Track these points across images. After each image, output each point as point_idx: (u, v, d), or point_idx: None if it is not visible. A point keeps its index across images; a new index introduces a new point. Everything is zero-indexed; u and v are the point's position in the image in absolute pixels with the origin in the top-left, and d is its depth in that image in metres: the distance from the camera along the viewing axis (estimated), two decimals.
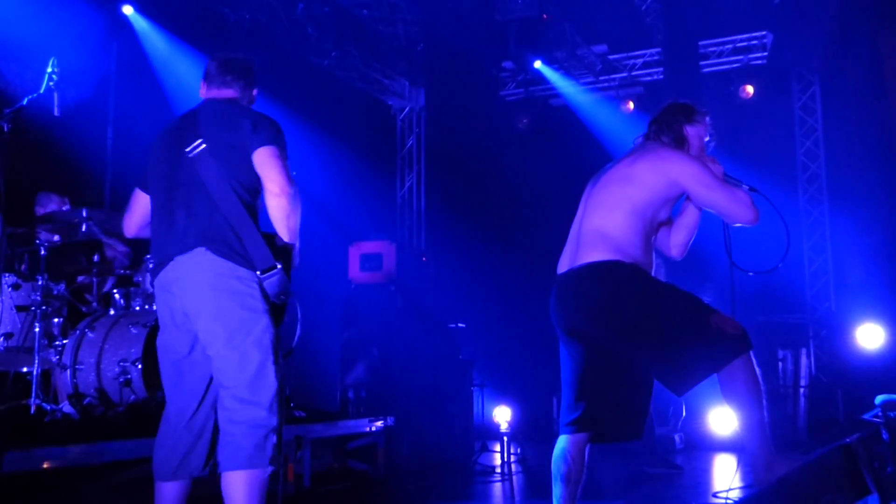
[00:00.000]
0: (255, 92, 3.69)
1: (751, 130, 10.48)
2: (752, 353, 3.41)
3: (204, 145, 3.34)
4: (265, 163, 3.29)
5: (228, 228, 3.29)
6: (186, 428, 3.32)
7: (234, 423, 3.21)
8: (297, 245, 3.42)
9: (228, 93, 3.59)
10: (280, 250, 3.34)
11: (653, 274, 3.74)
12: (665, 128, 4.01)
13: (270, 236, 3.34)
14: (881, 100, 9.95)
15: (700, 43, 10.90)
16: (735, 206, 3.80)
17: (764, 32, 10.51)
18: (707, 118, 4.09)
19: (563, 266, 3.80)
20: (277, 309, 3.35)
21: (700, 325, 3.44)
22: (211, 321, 3.27)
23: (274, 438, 3.22)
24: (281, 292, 3.31)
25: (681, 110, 4.07)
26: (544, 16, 9.84)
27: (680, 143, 3.95)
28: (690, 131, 4.03)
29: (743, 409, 3.38)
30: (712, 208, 3.82)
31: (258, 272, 3.27)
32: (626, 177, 3.80)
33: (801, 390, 9.25)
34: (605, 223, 3.68)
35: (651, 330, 3.50)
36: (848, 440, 3.15)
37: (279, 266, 3.29)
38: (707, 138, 4.11)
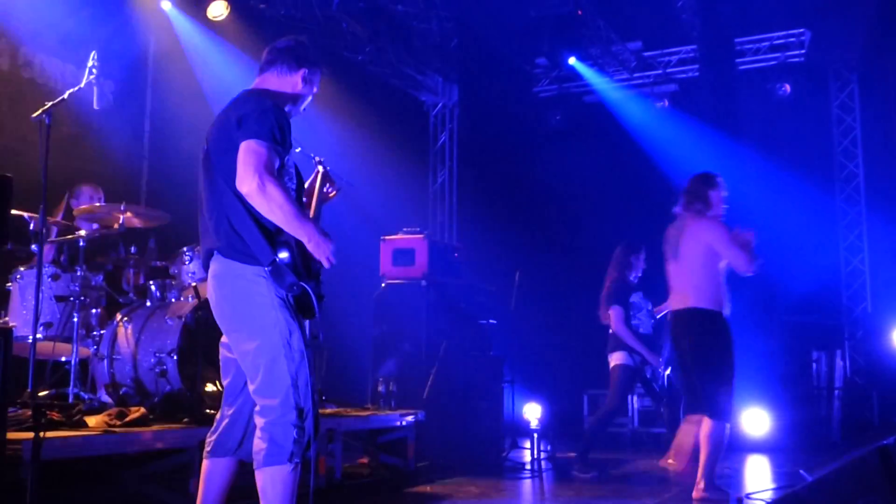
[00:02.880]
0: (301, 73, 3.59)
1: (787, 129, 10.40)
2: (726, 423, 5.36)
3: (207, 144, 3.42)
4: (238, 159, 3.22)
5: (230, 227, 3.31)
6: (228, 407, 3.50)
7: (258, 422, 3.26)
8: (309, 234, 3.28)
9: (260, 82, 3.60)
10: (284, 242, 3.30)
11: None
12: (694, 198, 5.55)
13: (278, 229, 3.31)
14: None
15: (736, 40, 10.82)
16: (738, 262, 5.38)
17: (802, 30, 10.41)
18: (722, 179, 5.56)
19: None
20: (297, 300, 3.32)
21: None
22: (226, 325, 3.40)
23: (293, 433, 3.20)
24: (289, 283, 3.25)
25: (702, 181, 5.58)
26: (579, 12, 9.81)
27: (707, 206, 5.48)
28: (713, 195, 5.51)
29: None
30: (727, 260, 5.40)
31: (266, 267, 3.25)
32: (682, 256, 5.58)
33: (836, 392, 9.16)
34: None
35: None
36: (885, 442, 3.13)
37: (278, 258, 3.24)
38: (725, 193, 5.56)
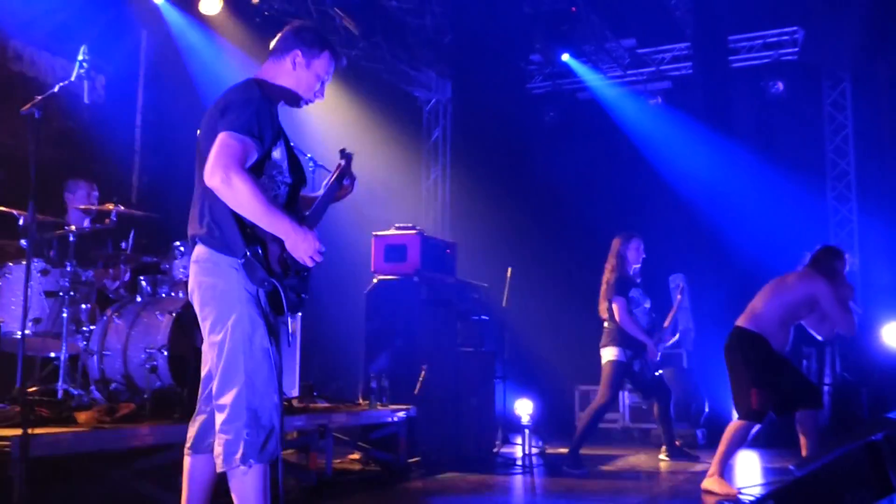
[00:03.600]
0: (292, 56, 3.43)
1: (780, 126, 10.42)
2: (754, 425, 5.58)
3: (200, 131, 3.33)
4: (210, 151, 3.11)
5: (210, 217, 3.24)
6: (204, 402, 3.35)
7: (217, 420, 3.17)
8: (285, 231, 3.16)
9: (261, 71, 3.50)
10: (259, 237, 3.19)
11: None
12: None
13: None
14: None
15: (730, 38, 10.84)
16: (840, 323, 5.67)
17: (795, 28, 10.41)
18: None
19: None
20: (269, 296, 3.22)
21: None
22: (198, 312, 3.32)
23: (243, 434, 3.09)
24: (260, 279, 3.16)
25: (834, 255, 5.85)
26: (573, 8, 9.81)
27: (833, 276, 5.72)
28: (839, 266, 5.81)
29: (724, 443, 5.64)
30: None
31: (239, 259, 3.17)
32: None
33: (826, 388, 9.18)
34: None
35: None
36: (873, 438, 3.13)
37: (248, 253, 3.14)
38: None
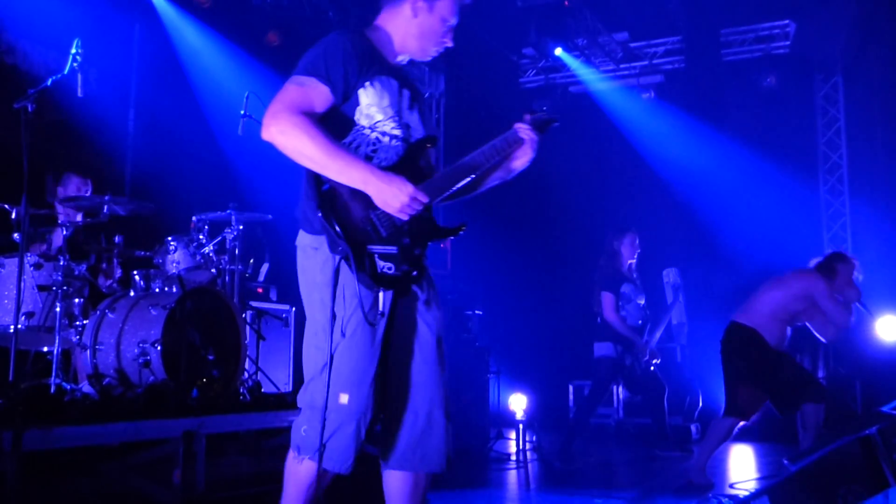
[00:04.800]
0: (411, 1, 2.87)
1: (772, 120, 10.41)
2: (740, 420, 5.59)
3: None
4: None
5: (302, 193, 2.75)
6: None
7: None
8: (363, 177, 2.57)
9: (374, 24, 2.99)
10: (330, 194, 2.60)
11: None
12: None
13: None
14: None
15: (722, 31, 10.82)
16: (834, 317, 5.65)
17: (787, 21, 10.40)
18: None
19: None
20: (354, 266, 2.61)
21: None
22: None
23: (303, 424, 2.71)
24: (340, 249, 2.58)
25: (838, 257, 5.92)
26: (566, 2, 9.78)
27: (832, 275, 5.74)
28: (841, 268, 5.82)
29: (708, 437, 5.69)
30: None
31: (321, 235, 2.65)
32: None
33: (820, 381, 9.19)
34: None
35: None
36: (867, 432, 3.12)
37: (321, 215, 2.58)
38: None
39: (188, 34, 8.64)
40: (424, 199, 2.63)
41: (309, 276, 2.74)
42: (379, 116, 2.72)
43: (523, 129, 3.00)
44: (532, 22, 10.15)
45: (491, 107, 11.18)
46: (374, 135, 2.71)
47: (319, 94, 2.63)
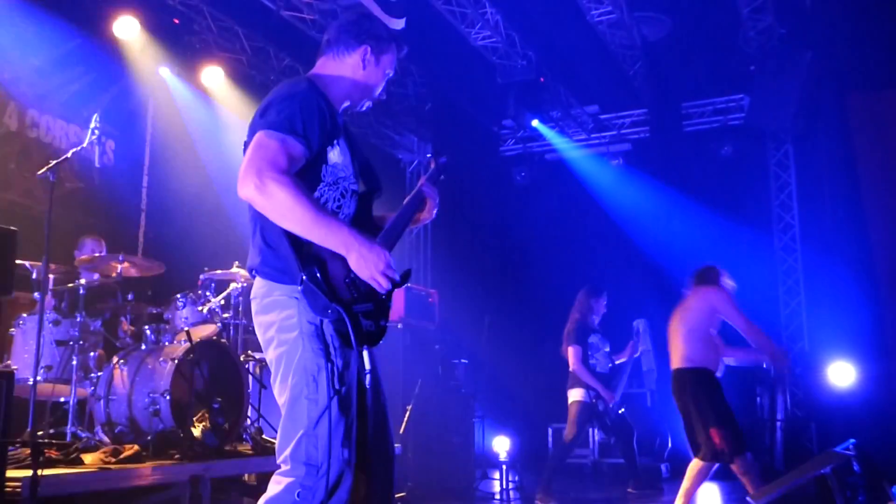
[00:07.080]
0: (362, 51, 2.67)
1: (730, 184, 10.54)
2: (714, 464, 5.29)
3: (245, 140, 2.60)
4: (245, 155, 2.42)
5: (263, 240, 2.53)
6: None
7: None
8: (346, 244, 2.38)
9: (316, 67, 2.75)
10: (316, 255, 2.40)
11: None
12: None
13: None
14: (848, 157, 10.02)
15: (683, 104, 11.01)
16: (744, 330, 5.36)
17: (741, 95, 10.59)
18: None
19: None
20: (337, 326, 2.43)
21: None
22: (265, 353, 2.59)
23: (294, 492, 2.36)
24: (322, 306, 2.36)
25: (715, 270, 5.71)
26: (541, 79, 9.94)
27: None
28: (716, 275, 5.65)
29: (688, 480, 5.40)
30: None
31: (298, 286, 2.39)
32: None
33: (778, 423, 9.17)
34: None
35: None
36: (822, 471, 3.13)
37: (305, 276, 2.36)
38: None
39: (197, 108, 8.73)
40: (393, 265, 2.48)
41: (290, 329, 2.45)
42: (342, 173, 2.61)
43: (425, 187, 2.92)
44: (511, 96, 10.29)
45: (474, 172, 11.30)
46: (338, 191, 2.60)
47: (297, 154, 2.42)
